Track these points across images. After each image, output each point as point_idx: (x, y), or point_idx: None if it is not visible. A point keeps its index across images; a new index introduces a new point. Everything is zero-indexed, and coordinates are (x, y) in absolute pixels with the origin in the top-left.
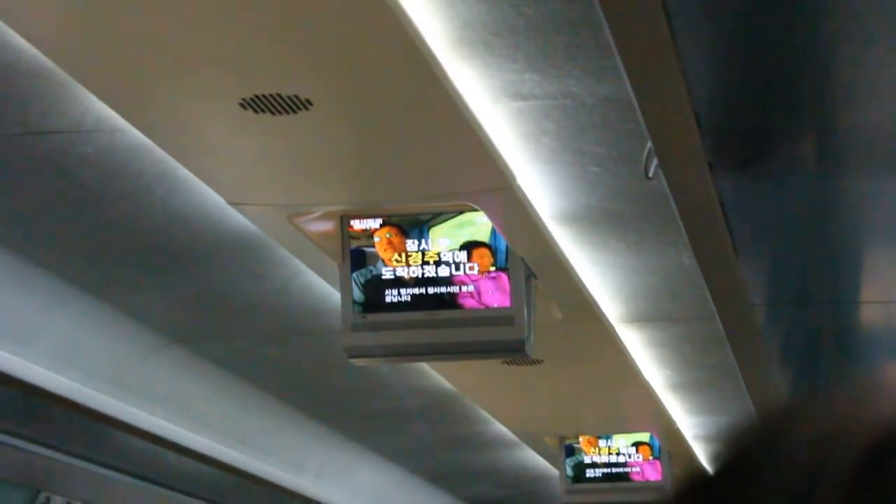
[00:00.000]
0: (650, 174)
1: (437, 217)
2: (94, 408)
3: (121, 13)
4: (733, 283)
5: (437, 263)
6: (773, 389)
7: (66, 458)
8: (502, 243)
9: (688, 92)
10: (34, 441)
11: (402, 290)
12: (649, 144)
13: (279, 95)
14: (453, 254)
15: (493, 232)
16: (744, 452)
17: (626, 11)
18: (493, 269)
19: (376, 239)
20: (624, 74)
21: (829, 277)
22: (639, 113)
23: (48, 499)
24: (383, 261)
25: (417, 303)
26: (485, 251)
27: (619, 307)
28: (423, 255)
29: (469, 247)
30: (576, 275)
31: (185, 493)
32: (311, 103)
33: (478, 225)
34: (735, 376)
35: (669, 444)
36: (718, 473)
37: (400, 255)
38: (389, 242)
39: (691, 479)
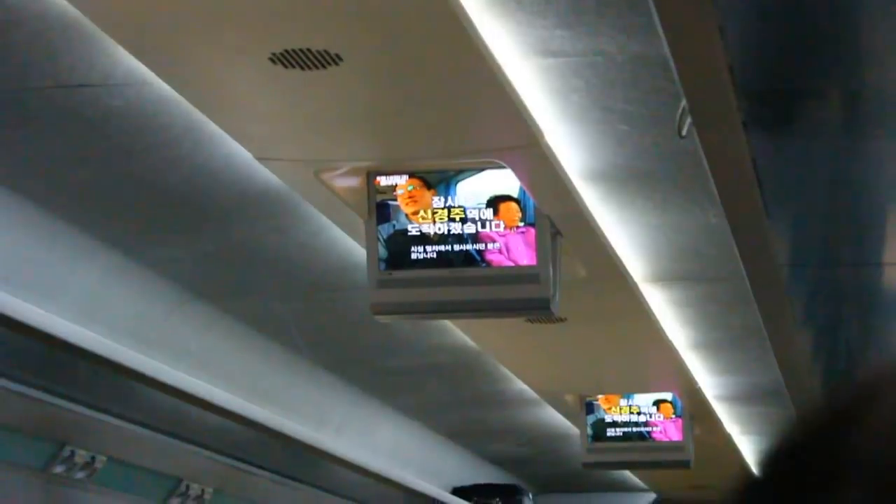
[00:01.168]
0: (683, 133)
1: (464, 172)
2: (117, 361)
3: None
4: (762, 244)
5: (463, 220)
6: (797, 350)
7: (89, 411)
8: (530, 199)
9: (724, 51)
10: (58, 394)
11: (428, 247)
12: (683, 103)
13: (309, 50)
14: (479, 210)
15: (521, 187)
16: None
17: None
18: (521, 224)
19: (399, 192)
20: (661, 32)
21: (854, 239)
22: (675, 71)
23: (72, 452)
24: (407, 215)
25: (443, 260)
26: (513, 205)
27: (644, 266)
28: (449, 211)
29: (496, 202)
30: (601, 233)
31: (208, 447)
32: (340, 58)
33: (505, 179)
34: (759, 336)
35: (691, 405)
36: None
37: (425, 212)
38: (411, 196)
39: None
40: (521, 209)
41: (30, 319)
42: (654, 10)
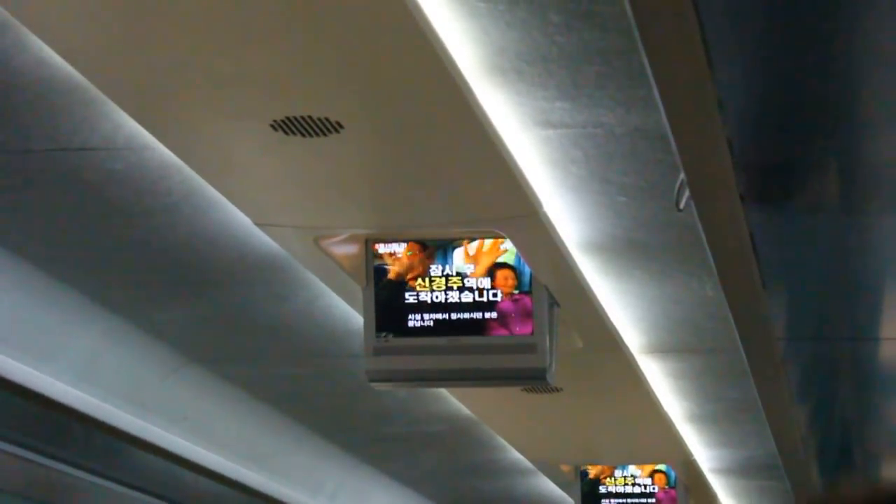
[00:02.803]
0: (681, 206)
1: (462, 240)
2: (113, 424)
3: (155, 32)
4: (759, 317)
5: (461, 289)
6: (793, 424)
7: (83, 474)
8: (527, 266)
9: (723, 125)
10: (52, 457)
11: (426, 315)
12: (682, 176)
13: (310, 117)
14: (477, 279)
15: (518, 255)
16: None
17: (664, 41)
18: (516, 291)
19: (400, 260)
20: (660, 105)
21: (851, 313)
22: (673, 144)
23: None
24: (406, 284)
25: (440, 328)
26: (509, 273)
27: (641, 337)
28: (447, 279)
29: (493, 269)
30: (598, 304)
31: None
32: (341, 126)
33: (503, 248)
34: (754, 409)
35: (686, 477)
36: None
37: (423, 279)
38: (412, 264)
39: None
40: (517, 276)
41: (26, 381)
42: (653, 84)
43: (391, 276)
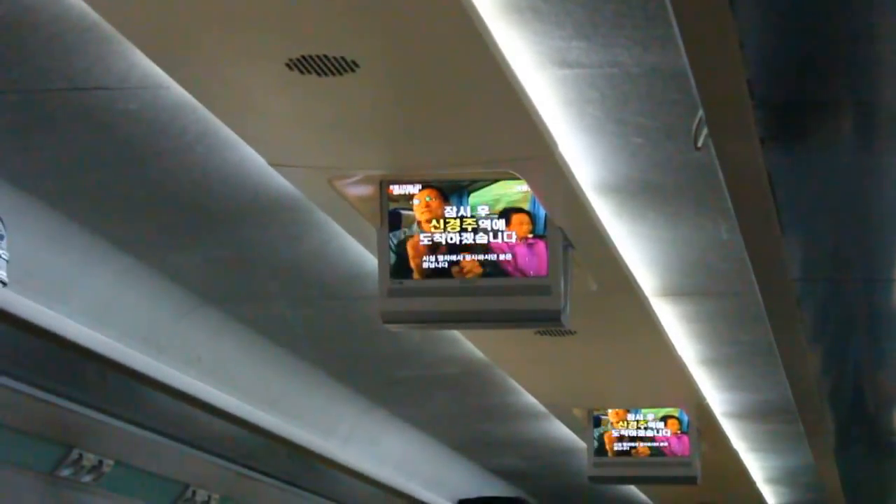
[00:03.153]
0: (699, 144)
1: (477, 183)
2: (127, 365)
3: None
4: (777, 259)
5: (475, 230)
6: (807, 367)
7: (98, 415)
8: (542, 210)
9: (743, 64)
10: (67, 397)
11: (440, 257)
12: (700, 114)
13: (326, 56)
14: (491, 221)
15: (533, 198)
16: None
17: None
18: (531, 235)
19: (415, 202)
20: (680, 43)
21: (866, 254)
22: (692, 82)
23: (80, 455)
24: (420, 224)
25: (455, 270)
26: (524, 217)
27: (655, 280)
28: (462, 221)
29: (508, 213)
30: (613, 246)
31: (215, 453)
32: (357, 65)
33: (518, 191)
34: (769, 353)
35: (699, 420)
36: None
37: (438, 221)
38: (427, 206)
39: None
40: (532, 221)
41: (41, 321)
42: (674, 22)
43: (405, 217)
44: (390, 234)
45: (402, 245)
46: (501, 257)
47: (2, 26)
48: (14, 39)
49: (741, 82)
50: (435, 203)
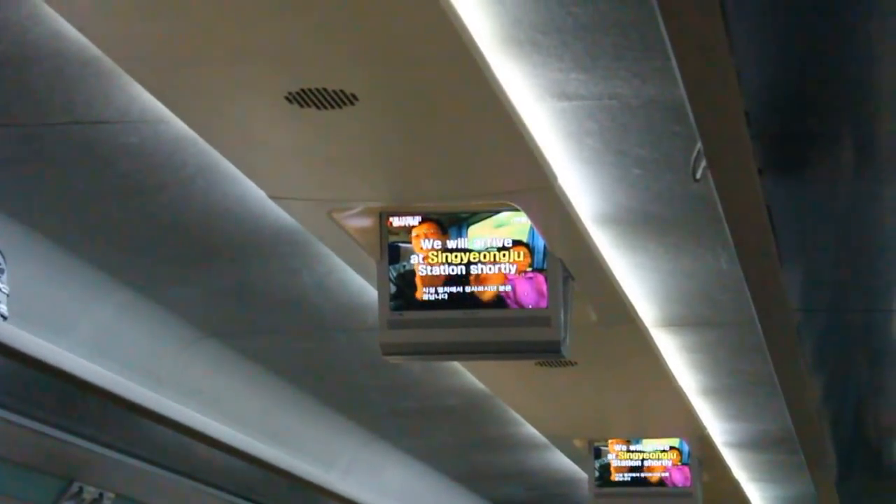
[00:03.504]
0: (698, 176)
1: (476, 215)
2: (128, 398)
3: (170, 4)
4: (775, 289)
5: (475, 263)
6: (807, 397)
7: (99, 448)
8: (540, 243)
9: (741, 95)
10: (68, 430)
11: (440, 289)
12: (699, 146)
13: (325, 90)
14: (490, 253)
15: (532, 231)
16: None
17: (683, 12)
18: (529, 269)
19: (414, 234)
20: (678, 74)
21: (866, 285)
22: (690, 114)
23: (81, 488)
24: (421, 257)
25: (454, 301)
26: (523, 250)
27: (655, 311)
28: (461, 253)
29: (506, 245)
30: (613, 277)
31: (216, 486)
32: (356, 98)
33: (516, 224)
34: (769, 383)
35: (699, 450)
36: None
37: (437, 253)
38: (427, 238)
39: None
40: (531, 253)
41: (42, 355)
42: (671, 55)
43: (405, 249)
44: (390, 266)
45: (401, 277)
46: (501, 289)
47: (3, 61)
48: (15, 74)
49: (739, 114)
50: (434, 235)
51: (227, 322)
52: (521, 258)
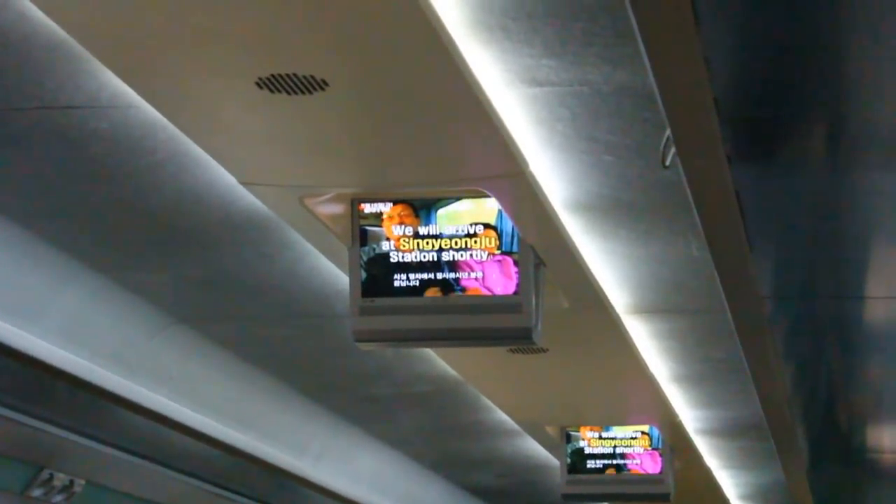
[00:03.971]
0: (667, 163)
1: (445, 200)
2: (98, 385)
3: None
4: (745, 276)
5: (445, 248)
6: (778, 384)
7: (69, 434)
8: (509, 226)
9: (709, 81)
10: (38, 417)
11: (411, 275)
12: (668, 132)
13: (295, 75)
14: (460, 238)
15: (500, 214)
16: None
17: None
18: (498, 252)
19: (385, 218)
20: (646, 60)
21: (836, 272)
22: (659, 100)
23: (51, 475)
24: (392, 242)
25: (425, 288)
26: (492, 234)
27: (627, 297)
28: (431, 238)
29: (475, 230)
30: (584, 264)
31: (187, 473)
32: (326, 84)
33: (484, 208)
34: (739, 370)
35: (671, 437)
36: None
37: (408, 239)
38: (397, 223)
39: None
40: (499, 237)
41: (11, 342)
42: (640, 41)
43: (376, 235)
44: (361, 252)
45: (373, 263)
46: (472, 275)
47: None
48: None
49: (707, 100)
50: (405, 220)
51: (197, 308)
52: (491, 243)
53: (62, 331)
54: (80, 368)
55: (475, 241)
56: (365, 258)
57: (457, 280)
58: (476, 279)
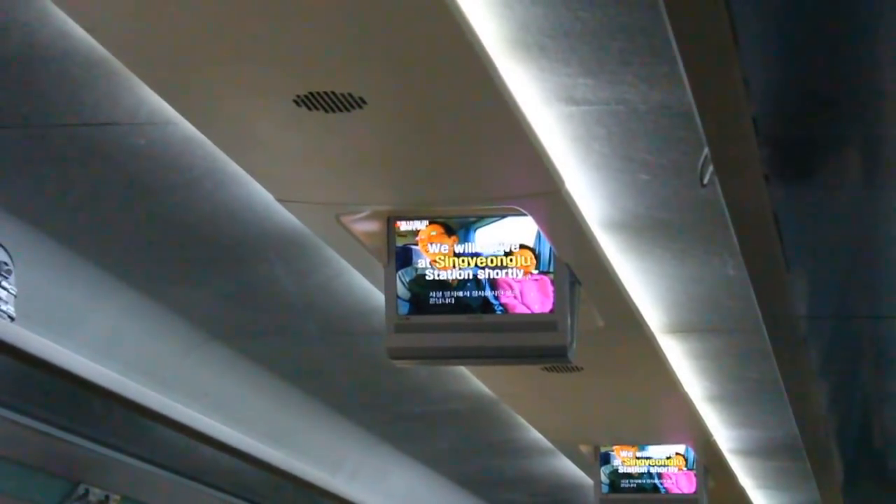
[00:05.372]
0: (705, 181)
1: (483, 219)
2: (134, 400)
3: (178, 6)
4: (782, 295)
5: (482, 267)
6: (813, 404)
7: (105, 449)
8: (546, 247)
9: (748, 101)
10: (74, 432)
11: (447, 293)
12: (706, 151)
13: (333, 93)
14: (496, 257)
15: (538, 235)
16: None
17: (690, 16)
18: (535, 271)
19: (421, 238)
20: (685, 80)
21: (872, 291)
22: (698, 120)
23: (87, 490)
24: (428, 259)
25: (461, 306)
26: (529, 254)
27: (662, 316)
28: (469, 257)
29: (512, 249)
30: (620, 283)
31: (221, 488)
32: (364, 102)
33: (522, 227)
34: (774, 389)
35: (706, 457)
36: None
37: (445, 257)
38: (434, 242)
39: None
40: (536, 257)
41: (48, 356)
42: (679, 61)
43: (413, 253)
44: (397, 270)
45: (408, 281)
46: (508, 293)
47: (11, 62)
48: (23, 75)
49: (746, 119)
50: (442, 239)
51: (233, 325)
52: (528, 262)
53: (98, 346)
54: (116, 383)
55: (511, 260)
56: (401, 276)
57: (492, 298)
58: (512, 297)
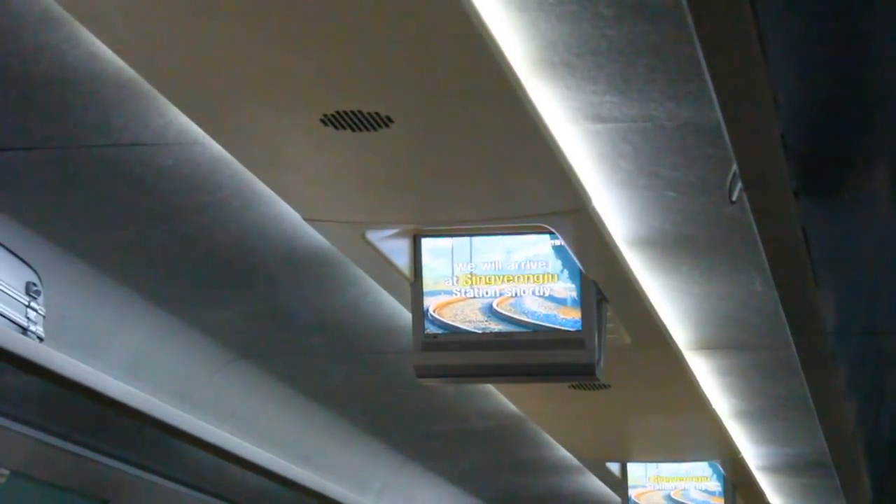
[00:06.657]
0: (734, 198)
1: (510, 237)
2: (162, 420)
3: (205, 26)
4: (811, 312)
5: (508, 284)
6: (842, 420)
7: (133, 469)
8: (573, 264)
9: (777, 117)
10: (103, 452)
11: (473, 311)
12: (734, 168)
13: (360, 112)
14: (525, 275)
15: (565, 252)
16: None
17: (719, 33)
18: (562, 289)
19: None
20: (714, 98)
21: None
22: (726, 136)
23: None
24: (455, 278)
25: (488, 324)
26: (555, 271)
27: (689, 333)
28: (495, 275)
29: (538, 266)
30: (647, 300)
31: None
32: (391, 120)
33: (549, 244)
34: (803, 406)
35: (733, 474)
36: None
37: (471, 276)
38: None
39: None
40: (563, 274)
41: (76, 376)
42: (708, 78)
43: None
44: (424, 288)
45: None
46: (535, 311)
47: (40, 83)
48: (52, 96)
49: (775, 135)
50: (468, 256)
51: (260, 344)
52: (555, 279)
53: (126, 365)
54: (145, 403)
55: (538, 277)
56: (427, 294)
57: (520, 315)
58: (540, 315)
